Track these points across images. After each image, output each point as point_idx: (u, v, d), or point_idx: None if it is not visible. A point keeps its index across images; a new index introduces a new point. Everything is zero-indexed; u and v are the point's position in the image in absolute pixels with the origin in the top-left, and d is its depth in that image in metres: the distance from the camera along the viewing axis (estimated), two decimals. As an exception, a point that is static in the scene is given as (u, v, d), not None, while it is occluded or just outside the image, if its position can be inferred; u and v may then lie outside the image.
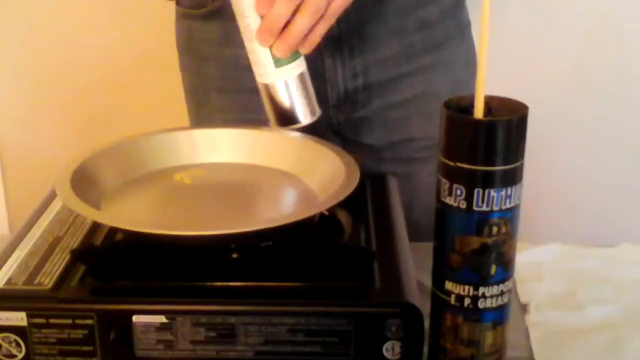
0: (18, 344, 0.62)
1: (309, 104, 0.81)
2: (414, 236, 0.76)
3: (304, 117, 0.80)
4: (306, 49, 0.78)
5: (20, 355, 0.62)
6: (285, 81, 0.78)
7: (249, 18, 0.77)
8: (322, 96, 0.96)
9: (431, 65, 1.00)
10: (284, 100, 0.79)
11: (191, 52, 1.05)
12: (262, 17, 0.75)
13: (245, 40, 0.79)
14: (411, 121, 1.01)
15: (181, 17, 1.05)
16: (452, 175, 0.57)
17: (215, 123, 1.01)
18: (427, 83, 1.00)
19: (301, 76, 0.79)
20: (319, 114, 0.82)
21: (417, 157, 1.03)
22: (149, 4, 1.56)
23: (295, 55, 0.78)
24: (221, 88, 1.03)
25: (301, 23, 0.75)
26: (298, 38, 0.75)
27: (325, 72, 0.97)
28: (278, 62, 0.77)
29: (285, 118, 0.80)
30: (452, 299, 0.59)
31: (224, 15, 0.96)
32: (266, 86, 0.79)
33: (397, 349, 0.61)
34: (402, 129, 1.02)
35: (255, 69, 0.79)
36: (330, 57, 0.96)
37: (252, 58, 0.79)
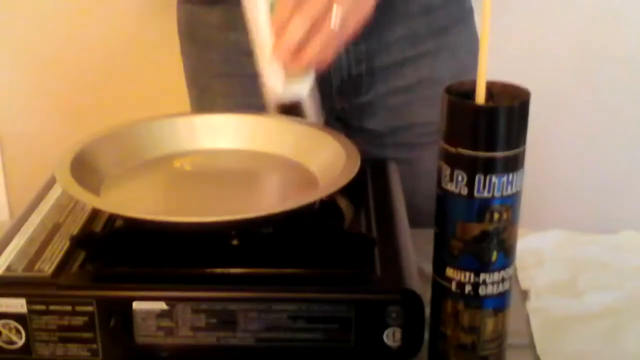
0: (18, 331, 0.62)
1: (316, 113, 0.82)
2: (416, 222, 0.75)
3: None
4: (319, 66, 0.78)
5: (21, 342, 0.62)
6: (296, 95, 0.80)
7: (263, 35, 0.78)
8: (325, 82, 0.96)
9: (435, 50, 1.00)
10: (293, 113, 0.80)
11: (193, 38, 1.05)
12: (277, 32, 0.76)
13: (258, 56, 0.79)
14: (414, 107, 1.01)
15: (183, 1, 1.05)
16: (453, 161, 0.56)
17: (216, 109, 1.01)
18: (431, 68, 1.00)
19: (311, 90, 0.81)
20: (322, 119, 0.84)
21: (420, 142, 1.02)
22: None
23: (307, 71, 0.79)
24: (223, 73, 1.03)
25: (316, 45, 0.75)
26: (312, 57, 0.76)
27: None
28: (290, 78, 0.78)
29: None
30: (453, 286, 0.59)
31: (227, 0, 0.96)
32: (277, 99, 0.80)
33: (398, 336, 0.61)
34: (405, 115, 1.02)
35: (266, 82, 0.80)
36: None
37: (265, 73, 0.79)
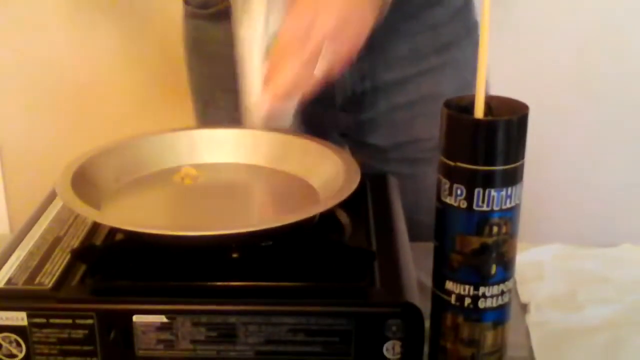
0: (18, 344, 0.62)
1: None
2: (418, 236, 0.75)
3: None
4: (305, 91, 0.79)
5: (21, 355, 0.62)
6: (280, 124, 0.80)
7: (252, 74, 0.79)
8: (328, 99, 0.97)
9: (438, 66, 1.00)
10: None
11: (198, 52, 1.05)
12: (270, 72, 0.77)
13: (243, 90, 0.81)
14: (417, 122, 1.01)
15: (189, 16, 1.05)
16: (453, 175, 0.57)
17: (220, 122, 1.01)
18: (434, 84, 1.00)
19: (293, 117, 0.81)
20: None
21: (423, 157, 1.02)
22: (151, 3, 1.56)
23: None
24: (228, 88, 1.03)
25: (307, 80, 0.76)
26: (300, 89, 0.77)
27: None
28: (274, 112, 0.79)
29: None
30: (453, 299, 0.59)
31: (232, 15, 0.96)
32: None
33: (398, 349, 0.61)
34: (408, 130, 1.02)
35: (250, 113, 0.81)
36: None
37: (250, 106, 0.80)
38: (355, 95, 0.98)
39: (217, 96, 1.05)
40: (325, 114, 1.00)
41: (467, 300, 0.59)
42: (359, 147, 1.02)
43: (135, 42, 1.61)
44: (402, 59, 0.98)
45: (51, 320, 0.61)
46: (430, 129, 0.99)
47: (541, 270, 0.83)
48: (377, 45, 0.96)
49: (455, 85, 1.01)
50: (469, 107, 0.57)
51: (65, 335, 0.61)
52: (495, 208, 0.56)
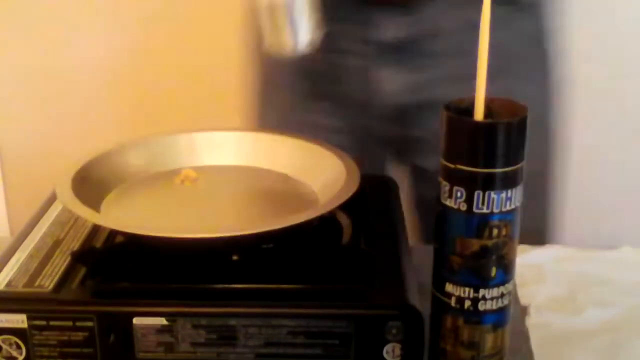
0: (18, 346, 0.62)
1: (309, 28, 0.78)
2: None
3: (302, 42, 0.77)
4: None
5: (21, 358, 0.62)
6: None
7: None
8: (369, 106, 0.94)
9: (494, 94, 0.95)
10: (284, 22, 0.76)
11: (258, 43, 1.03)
12: None
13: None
14: None
15: None
16: (453, 178, 0.57)
17: (266, 116, 1.00)
18: None
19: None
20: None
21: None
22: (149, 6, 1.56)
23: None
24: (275, 83, 1.01)
25: None
26: None
27: (379, 83, 0.93)
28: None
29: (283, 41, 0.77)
30: (453, 301, 0.59)
31: None
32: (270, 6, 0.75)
33: (398, 352, 0.61)
34: None
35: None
36: (385, 67, 0.92)
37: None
38: (401, 108, 0.93)
39: (267, 88, 1.03)
40: (370, 123, 0.96)
41: (467, 303, 0.59)
42: (404, 165, 0.97)
43: (136, 45, 1.62)
44: (460, 80, 0.93)
45: (51, 323, 0.61)
46: None
47: (541, 272, 0.83)
48: (434, 58, 0.91)
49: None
50: (469, 109, 0.57)
51: (65, 338, 0.61)
52: (495, 210, 0.56)
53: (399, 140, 0.97)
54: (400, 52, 0.91)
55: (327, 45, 0.91)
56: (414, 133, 0.95)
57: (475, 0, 0.87)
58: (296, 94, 0.97)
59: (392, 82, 0.93)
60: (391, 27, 0.89)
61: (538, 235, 1.00)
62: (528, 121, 0.56)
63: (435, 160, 0.93)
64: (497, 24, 0.90)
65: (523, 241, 0.61)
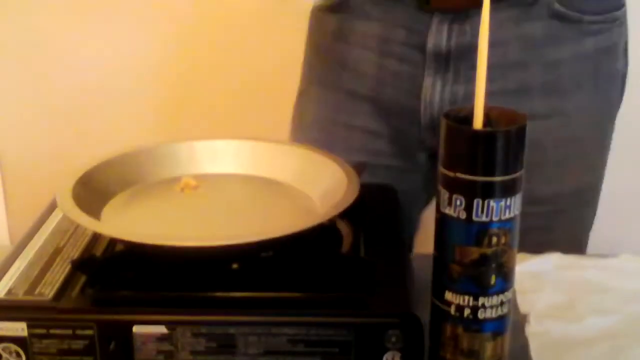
0: (18, 354, 0.62)
1: None
2: None
3: None
4: None
5: (21, 366, 0.62)
6: None
7: None
8: (413, 114, 0.93)
9: (545, 114, 0.90)
10: None
11: (309, 42, 1.04)
12: None
13: None
14: None
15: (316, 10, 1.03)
16: (452, 186, 0.57)
17: (305, 116, 1.00)
18: (533, 133, 0.94)
19: None
20: None
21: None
22: (156, 6, 1.56)
23: None
24: (321, 81, 1.01)
25: None
26: None
27: (422, 90, 0.93)
28: None
29: None
30: (452, 309, 0.59)
31: (345, 10, 0.95)
32: None
33: (397, 360, 0.61)
34: None
35: None
36: (432, 76, 0.92)
37: None
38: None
39: (311, 88, 1.03)
40: (410, 131, 0.96)
41: (467, 311, 0.59)
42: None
43: (139, 51, 1.62)
44: (503, 94, 0.85)
45: (51, 331, 0.61)
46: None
47: (541, 280, 0.83)
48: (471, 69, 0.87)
49: (561, 137, 0.90)
50: (468, 118, 0.57)
51: (65, 346, 0.61)
52: (495, 219, 0.56)
53: (432, 151, 0.96)
54: (452, 61, 0.91)
55: (381, 48, 0.92)
56: None
57: (532, 16, 0.87)
58: (342, 94, 0.96)
59: (439, 92, 0.92)
60: (445, 35, 0.89)
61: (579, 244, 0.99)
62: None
63: None
64: (560, 42, 0.89)
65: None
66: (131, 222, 0.72)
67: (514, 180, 0.56)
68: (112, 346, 0.61)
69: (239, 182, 0.80)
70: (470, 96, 0.90)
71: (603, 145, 0.99)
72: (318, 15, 1.01)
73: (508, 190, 0.56)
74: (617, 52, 0.93)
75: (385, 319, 0.61)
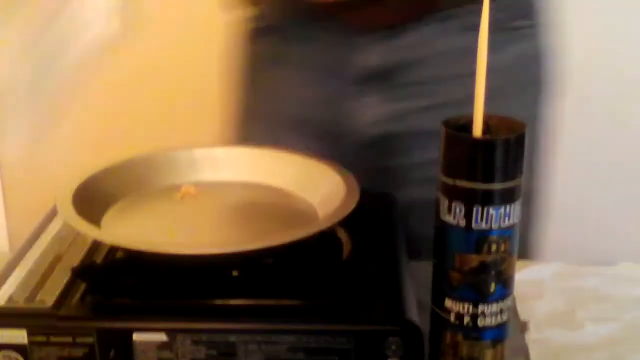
0: (18, 362, 0.62)
1: None
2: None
3: None
4: None
5: (21, 373, 0.62)
6: None
7: None
8: (351, 134, 0.92)
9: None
10: None
11: (237, 65, 1.02)
12: None
13: None
14: None
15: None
16: (451, 193, 0.57)
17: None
18: None
19: None
20: None
21: None
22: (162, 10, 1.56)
23: None
24: (255, 106, 0.99)
25: None
26: None
27: (358, 110, 0.91)
28: None
29: None
30: (452, 317, 0.59)
31: (274, 33, 0.94)
32: None
33: (397, 367, 0.61)
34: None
35: None
36: (363, 96, 0.91)
37: None
38: (382, 138, 0.91)
39: (246, 114, 1.01)
40: (349, 154, 0.91)
41: (467, 319, 0.59)
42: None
43: (140, 60, 1.62)
44: (437, 108, 0.86)
45: (51, 339, 0.61)
46: None
47: (540, 288, 0.83)
48: (415, 87, 0.88)
49: None
50: (468, 126, 0.58)
51: (66, 354, 0.61)
52: (494, 226, 0.57)
53: (374, 170, 0.94)
54: (385, 79, 0.90)
55: (314, 70, 0.91)
56: (390, 163, 0.93)
57: (462, 27, 0.87)
58: (277, 118, 0.95)
59: (375, 110, 0.91)
60: (376, 54, 0.88)
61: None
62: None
63: (413, 192, 0.88)
64: (492, 48, 0.90)
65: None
66: (131, 230, 0.72)
67: (513, 188, 0.57)
68: (112, 354, 0.61)
69: (238, 189, 0.80)
70: (407, 112, 0.89)
71: (536, 147, 0.98)
72: (245, 38, 0.99)
73: (507, 197, 0.56)
74: (542, 55, 0.93)
75: (385, 326, 0.61)
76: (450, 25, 0.87)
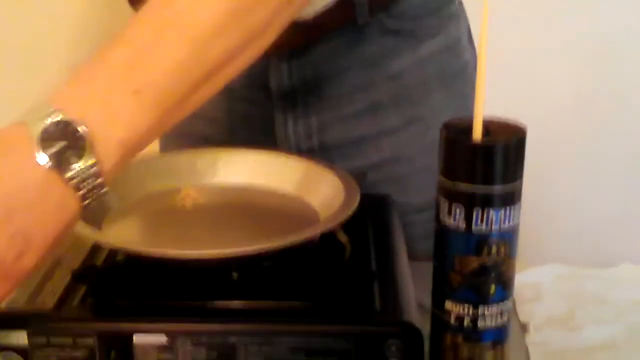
0: (19, 364, 0.62)
1: None
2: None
3: None
4: None
5: (21, 375, 0.62)
6: None
7: None
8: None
9: (403, 125, 0.89)
10: None
11: None
12: None
13: None
14: (380, 189, 0.87)
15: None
16: (451, 195, 0.57)
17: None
18: (396, 146, 0.90)
19: None
20: None
21: None
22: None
23: None
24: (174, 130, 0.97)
25: None
26: None
27: (276, 129, 0.91)
28: None
29: None
30: (452, 319, 0.59)
31: None
32: None
33: (397, 369, 0.61)
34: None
35: None
36: (282, 113, 0.90)
37: None
38: (301, 152, 0.89)
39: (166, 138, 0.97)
40: None
41: (466, 320, 0.59)
42: None
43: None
44: (357, 115, 0.88)
45: (52, 340, 0.61)
46: (396, 196, 0.84)
47: (540, 290, 0.83)
48: (327, 99, 0.88)
49: (425, 145, 0.88)
50: (468, 129, 0.58)
51: (66, 355, 0.61)
52: (494, 228, 0.57)
53: None
54: (299, 96, 0.89)
55: (227, 93, 0.89)
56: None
57: (366, 37, 0.86)
58: (197, 141, 0.94)
59: (292, 127, 0.90)
60: (286, 73, 0.87)
61: None
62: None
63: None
64: (399, 53, 0.87)
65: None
66: (132, 233, 0.72)
67: (513, 190, 0.57)
68: (112, 356, 0.61)
69: (238, 192, 0.80)
70: (324, 125, 0.89)
71: None
72: None
73: (507, 200, 0.57)
74: (459, 46, 0.92)
75: (385, 328, 0.61)
76: (350, 38, 0.86)
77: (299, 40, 0.83)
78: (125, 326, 0.61)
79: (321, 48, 0.85)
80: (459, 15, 0.92)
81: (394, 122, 0.89)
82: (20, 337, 0.61)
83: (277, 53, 0.86)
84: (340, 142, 0.90)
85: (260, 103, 0.91)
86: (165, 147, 0.98)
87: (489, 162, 0.56)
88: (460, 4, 0.93)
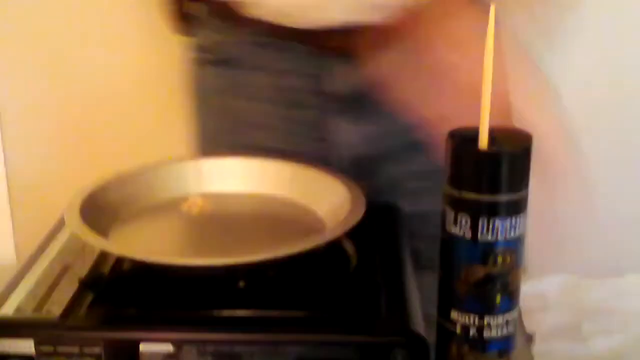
0: (26, 372, 0.62)
1: None
2: None
3: None
4: None
5: (28, 383, 0.62)
6: None
7: None
8: (324, 159, 0.89)
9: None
10: None
11: (193, 97, 1.01)
12: None
13: None
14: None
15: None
16: (457, 205, 0.57)
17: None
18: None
19: None
20: None
21: None
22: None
23: None
24: (219, 139, 0.98)
25: None
26: None
27: (328, 134, 0.91)
28: None
29: None
30: (458, 329, 0.59)
31: (232, 63, 0.93)
32: None
33: (403, 379, 0.61)
34: (425, 203, 0.82)
35: None
36: (335, 117, 0.90)
37: None
38: (361, 160, 0.90)
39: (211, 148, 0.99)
40: None
41: (472, 330, 0.59)
42: None
43: (146, 70, 1.63)
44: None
45: (59, 349, 0.61)
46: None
47: (546, 300, 0.83)
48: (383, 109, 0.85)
49: None
50: (474, 137, 0.58)
51: (73, 364, 0.62)
52: (500, 238, 0.57)
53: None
54: (352, 101, 0.89)
55: (278, 98, 0.90)
56: (378, 182, 0.92)
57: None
58: (251, 146, 0.93)
59: (345, 132, 0.90)
60: (344, 78, 0.87)
61: None
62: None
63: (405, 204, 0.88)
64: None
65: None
66: (139, 241, 0.72)
67: (519, 200, 0.57)
68: (118, 364, 0.62)
69: (245, 200, 0.80)
70: (377, 132, 0.88)
71: None
72: (200, 70, 0.97)
73: (513, 209, 0.57)
74: None
75: (390, 338, 0.61)
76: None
77: (369, 47, 0.83)
78: (131, 335, 0.62)
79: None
80: None
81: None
82: (27, 346, 0.61)
83: (340, 56, 0.86)
84: (390, 153, 0.90)
85: (313, 107, 0.90)
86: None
87: (495, 171, 0.56)
88: None
